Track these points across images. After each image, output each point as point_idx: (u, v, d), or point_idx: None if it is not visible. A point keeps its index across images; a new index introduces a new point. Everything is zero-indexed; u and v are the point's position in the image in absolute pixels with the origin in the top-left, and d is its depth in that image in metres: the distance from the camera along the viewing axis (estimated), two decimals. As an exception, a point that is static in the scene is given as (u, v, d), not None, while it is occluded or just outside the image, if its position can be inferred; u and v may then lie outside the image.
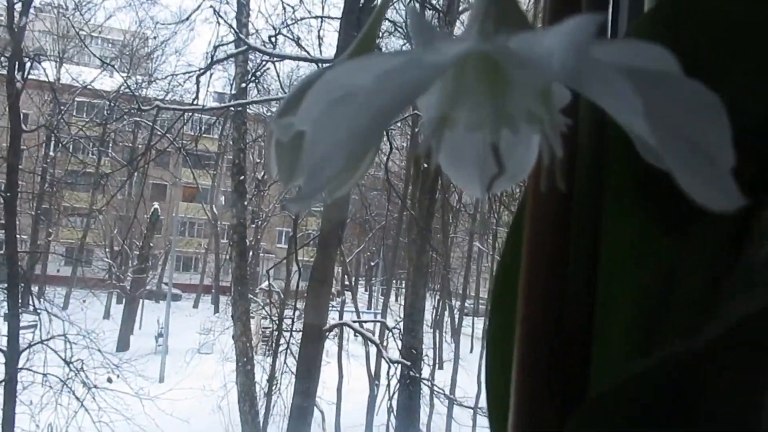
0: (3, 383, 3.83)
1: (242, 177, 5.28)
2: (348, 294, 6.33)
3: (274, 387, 5.04)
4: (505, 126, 0.17)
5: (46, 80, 5.48)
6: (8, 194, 4.27)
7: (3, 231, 4.44)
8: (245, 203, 5.38)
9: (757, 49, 0.21)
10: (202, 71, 4.96)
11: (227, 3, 5.08)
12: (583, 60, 0.13)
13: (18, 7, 4.47)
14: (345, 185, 0.19)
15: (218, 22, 4.94)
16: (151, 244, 7.18)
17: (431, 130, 0.17)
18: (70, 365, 4.19)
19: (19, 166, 4.63)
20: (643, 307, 0.21)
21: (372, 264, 8.79)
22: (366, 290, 8.94)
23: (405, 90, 0.14)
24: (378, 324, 5.98)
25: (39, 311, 4.47)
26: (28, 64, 4.70)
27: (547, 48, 0.13)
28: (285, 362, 5.02)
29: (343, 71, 0.14)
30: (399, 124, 5.79)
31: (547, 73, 0.13)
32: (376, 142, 0.16)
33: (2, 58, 4.55)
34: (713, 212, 0.14)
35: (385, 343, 5.45)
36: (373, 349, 5.27)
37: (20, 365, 3.98)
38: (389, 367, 4.99)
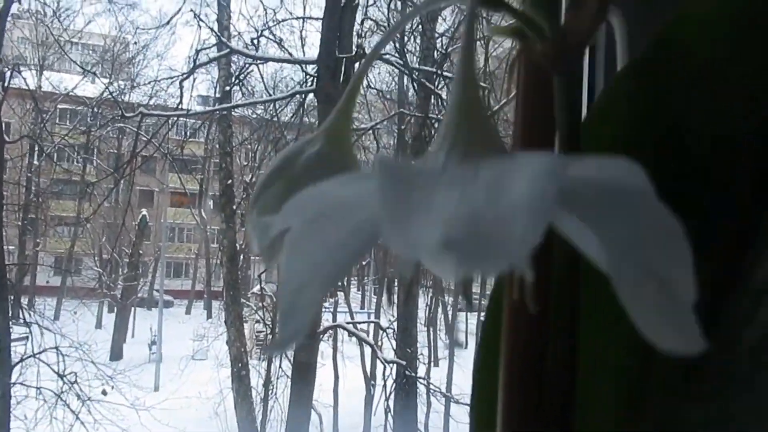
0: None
1: (230, 181, 5.24)
2: (340, 294, 6.30)
3: (270, 391, 5.01)
4: None
5: (27, 89, 5.40)
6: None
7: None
8: (234, 207, 5.35)
9: (728, 84, 0.22)
10: (185, 76, 4.91)
11: (208, 6, 5.03)
12: (542, 225, 0.12)
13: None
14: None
15: (199, 26, 4.89)
16: (141, 251, 7.13)
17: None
18: (64, 378, 4.14)
19: (3, 177, 4.56)
20: (625, 378, 0.20)
21: (363, 263, 8.80)
22: (359, 290, 8.93)
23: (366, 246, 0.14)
24: (372, 324, 5.96)
25: (30, 324, 4.41)
26: (8, 74, 4.63)
27: (504, 219, 0.11)
28: (280, 366, 4.99)
29: (326, 191, 0.13)
30: (385, 122, 5.76)
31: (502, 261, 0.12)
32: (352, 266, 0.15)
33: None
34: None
35: (379, 343, 5.44)
36: (368, 350, 5.26)
37: (13, 379, 3.93)
38: (385, 367, 4.98)
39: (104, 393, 4.41)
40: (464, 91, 0.15)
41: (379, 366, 5.10)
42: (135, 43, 6.07)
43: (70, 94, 5.90)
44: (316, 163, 0.22)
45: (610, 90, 0.23)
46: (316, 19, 5.06)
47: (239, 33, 5.34)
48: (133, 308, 7.06)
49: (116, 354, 6.15)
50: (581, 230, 0.13)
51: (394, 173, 0.12)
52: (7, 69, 4.61)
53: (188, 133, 6.29)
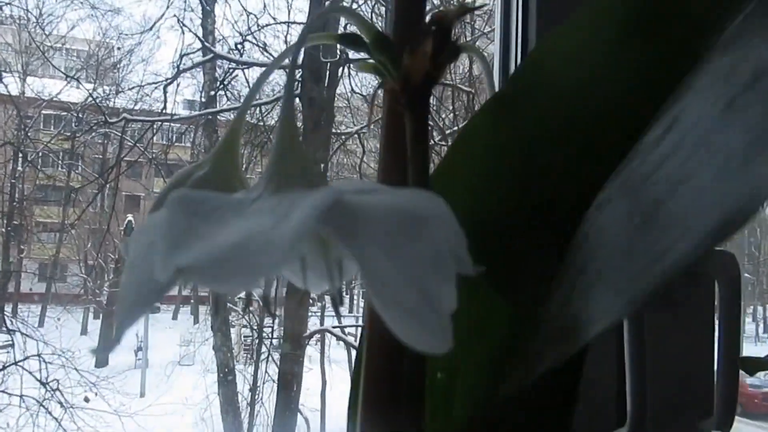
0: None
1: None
2: (328, 299, 6.30)
3: (256, 396, 5.00)
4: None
5: (8, 94, 5.38)
6: (-26, 214, 4.18)
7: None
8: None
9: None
10: (169, 81, 4.90)
11: (192, 10, 5.03)
12: (290, 254, 0.14)
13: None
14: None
15: (183, 31, 4.89)
16: (127, 257, 7.05)
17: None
18: (47, 386, 4.12)
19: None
20: (487, 374, 0.22)
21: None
22: (347, 293, 8.94)
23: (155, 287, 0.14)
24: (359, 328, 5.97)
25: (12, 331, 4.38)
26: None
27: (265, 245, 0.14)
28: (266, 371, 4.99)
29: (159, 219, 0.14)
30: (372, 126, 5.77)
31: (249, 282, 0.14)
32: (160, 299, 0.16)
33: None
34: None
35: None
36: (355, 354, 5.27)
37: (-6, 388, 3.91)
38: (372, 371, 4.99)
39: (86, 400, 4.39)
40: (283, 136, 0.16)
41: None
42: (119, 48, 6.04)
43: (54, 99, 5.87)
44: (202, 186, 0.23)
45: (472, 124, 0.24)
46: (300, 23, 5.07)
47: (224, 38, 5.35)
48: (118, 314, 7.00)
49: (101, 360, 6.12)
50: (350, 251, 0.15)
51: (189, 207, 0.13)
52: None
53: (174, 138, 6.28)
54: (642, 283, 0.13)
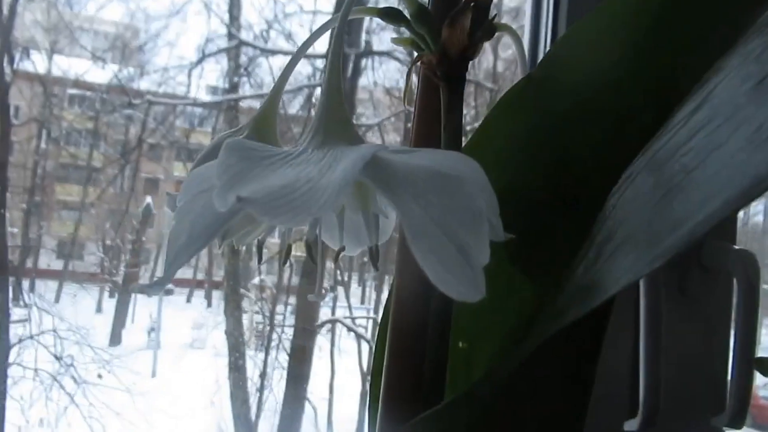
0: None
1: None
2: (340, 289, 6.33)
3: (265, 383, 5.05)
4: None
5: (36, 72, 5.45)
6: (-2, 188, 4.25)
7: (-7, 225, 4.41)
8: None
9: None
10: (193, 65, 4.94)
11: (220, -4, 5.05)
12: (340, 197, 0.15)
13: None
14: (250, 237, 0.20)
15: (209, 16, 4.92)
16: (144, 238, 7.17)
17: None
18: (61, 360, 4.19)
19: (10, 160, 4.61)
20: (507, 343, 0.23)
21: (365, 259, 8.83)
22: (359, 285, 8.97)
23: (220, 218, 0.16)
24: (370, 320, 5.99)
25: (29, 306, 4.46)
26: (18, 57, 4.67)
27: (317, 187, 0.15)
28: (277, 358, 5.03)
29: (208, 171, 0.16)
30: (392, 119, 5.77)
31: (301, 218, 0.16)
32: (212, 239, 0.17)
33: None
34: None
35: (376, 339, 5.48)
36: (365, 345, 5.29)
37: (11, 360, 3.97)
38: (381, 363, 5.01)
39: (99, 376, 4.46)
40: (329, 95, 0.17)
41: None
42: (145, 31, 6.09)
43: (80, 79, 5.94)
44: None
45: (501, 104, 0.25)
46: (326, 13, 5.08)
47: (250, 24, 5.38)
48: (133, 294, 7.11)
49: (115, 339, 6.20)
50: (392, 202, 0.16)
51: (242, 153, 0.14)
52: (17, 52, 4.65)
53: (195, 122, 6.32)
54: (664, 245, 0.14)
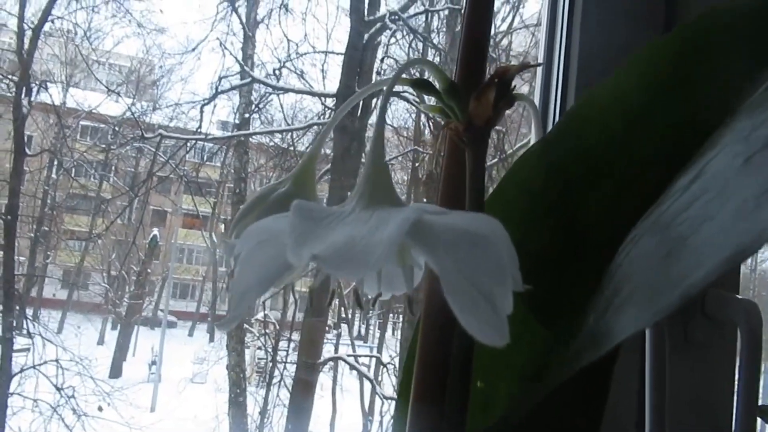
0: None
1: (242, 205, 5.31)
2: (344, 327, 6.29)
3: (266, 420, 4.99)
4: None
5: (52, 104, 5.55)
6: (8, 217, 4.29)
7: (0, 252, 4.44)
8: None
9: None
10: (206, 101, 5.03)
11: (234, 35, 5.18)
12: (392, 253, 0.18)
13: (28, 32, 4.55)
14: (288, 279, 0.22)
15: (224, 54, 5.03)
16: (149, 270, 7.18)
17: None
18: (61, 391, 4.16)
19: (21, 189, 4.66)
20: (521, 380, 0.24)
21: (369, 297, 8.78)
22: (363, 323, 8.91)
23: (285, 266, 0.18)
24: (373, 359, 5.94)
25: (33, 335, 4.45)
26: (35, 89, 4.77)
27: (371, 244, 0.18)
28: (278, 395, 4.98)
29: (269, 224, 0.18)
30: (400, 159, 5.83)
31: (364, 270, 0.18)
32: (282, 281, 0.20)
33: (10, 82, 4.62)
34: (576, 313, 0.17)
35: (379, 378, 5.42)
36: (367, 384, 5.24)
37: (11, 390, 3.95)
38: (383, 403, 4.96)
39: (100, 409, 4.42)
40: (374, 162, 0.20)
41: (378, 401, 5.07)
42: (160, 66, 6.22)
43: (93, 111, 6.04)
44: (283, 201, 0.27)
45: (518, 165, 0.27)
46: (338, 53, 5.19)
47: (262, 63, 5.48)
48: (136, 326, 7.09)
49: (116, 371, 6.16)
50: (430, 259, 0.19)
51: (306, 213, 0.17)
52: (34, 84, 4.75)
53: (205, 157, 6.40)
54: (663, 302, 0.16)
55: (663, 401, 0.47)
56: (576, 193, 0.27)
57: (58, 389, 4.11)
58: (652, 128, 0.28)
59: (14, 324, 4.24)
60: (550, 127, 0.57)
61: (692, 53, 0.28)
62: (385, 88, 0.22)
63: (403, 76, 0.26)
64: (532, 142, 0.29)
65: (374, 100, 4.88)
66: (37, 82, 4.88)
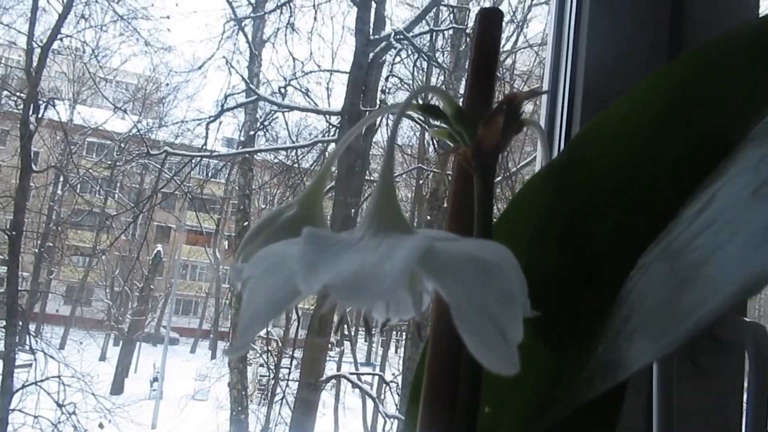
0: (-7, 425, 3.79)
1: (246, 222, 5.31)
2: (347, 345, 6.26)
3: (267, 438, 4.95)
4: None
5: (59, 121, 5.59)
6: (13, 232, 4.30)
7: (5, 268, 4.45)
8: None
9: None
10: (212, 119, 5.06)
11: (240, 53, 5.22)
12: (403, 281, 0.17)
13: (37, 50, 4.60)
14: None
15: (230, 72, 5.07)
16: (152, 287, 7.17)
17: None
18: (63, 408, 4.14)
19: (26, 205, 4.68)
20: (528, 406, 0.24)
21: (377, 321, 8.74)
22: (365, 341, 8.86)
23: (294, 293, 0.19)
24: (376, 377, 5.90)
25: (35, 351, 4.44)
26: (42, 106, 4.81)
27: (382, 272, 0.18)
28: (279, 413, 4.95)
29: (281, 248, 0.18)
30: (404, 176, 5.85)
31: (375, 298, 0.18)
32: (291, 306, 0.20)
33: (18, 99, 4.66)
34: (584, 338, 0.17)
35: (382, 397, 5.38)
36: (370, 403, 5.20)
37: (12, 406, 3.94)
38: (385, 422, 4.92)
39: (101, 426, 4.40)
40: (383, 189, 0.20)
41: (380, 420, 5.03)
42: (167, 84, 6.27)
43: (100, 128, 6.08)
44: (291, 225, 0.27)
45: (526, 189, 0.27)
46: (343, 72, 5.23)
47: (268, 81, 5.52)
48: (138, 343, 7.07)
49: (117, 388, 6.14)
50: (439, 287, 0.19)
51: (317, 241, 0.17)
52: (42, 101, 4.79)
53: (210, 173, 6.42)
54: (675, 333, 0.16)
55: (671, 424, 0.46)
56: (584, 217, 0.27)
57: (60, 406, 4.09)
58: (661, 153, 0.28)
59: (17, 340, 4.24)
60: (555, 146, 0.57)
61: (698, 80, 0.28)
62: (394, 115, 0.22)
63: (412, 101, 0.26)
64: (538, 165, 0.29)
65: (379, 119, 4.90)
66: (45, 100, 4.92)
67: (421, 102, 0.24)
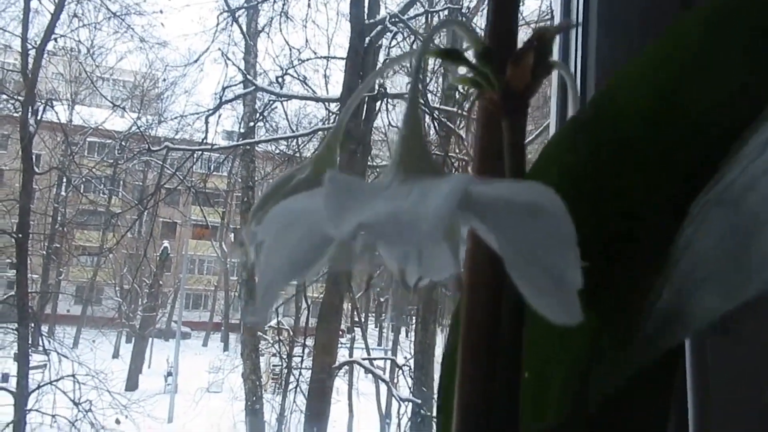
0: (12, 425, 3.82)
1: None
2: (357, 330, 6.28)
3: (283, 426, 4.98)
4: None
5: (58, 122, 5.57)
6: (20, 235, 4.31)
7: (14, 271, 4.47)
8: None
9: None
10: (211, 112, 5.04)
11: (235, 45, 5.18)
12: (443, 226, 0.16)
13: (32, 52, 4.58)
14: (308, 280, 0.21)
15: (226, 64, 5.03)
16: (161, 282, 7.20)
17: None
18: (79, 406, 4.17)
19: (31, 207, 4.68)
20: (574, 375, 0.23)
21: (381, 300, 8.78)
22: (376, 327, 8.89)
23: (319, 246, 0.18)
24: (388, 361, 5.92)
25: (48, 351, 4.46)
26: (41, 108, 4.79)
27: (419, 216, 0.16)
28: (294, 401, 4.97)
29: (294, 204, 0.17)
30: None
31: (415, 242, 0.17)
32: (313, 266, 0.18)
33: (16, 103, 4.65)
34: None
35: (395, 381, 5.40)
36: (383, 387, 5.22)
37: (29, 406, 3.97)
38: (399, 405, 4.94)
39: (117, 422, 4.43)
40: (409, 132, 0.18)
41: (394, 404, 5.06)
42: (164, 79, 6.24)
43: (99, 127, 6.07)
44: (303, 187, 0.26)
45: (550, 147, 0.26)
46: (340, 58, 5.19)
47: (265, 71, 5.48)
48: (150, 339, 7.10)
49: (132, 384, 6.18)
50: (488, 232, 0.17)
51: (342, 184, 0.16)
52: (40, 104, 4.78)
53: (212, 167, 6.41)
54: (743, 290, 0.15)
55: (707, 394, 0.45)
56: (612, 174, 0.25)
57: (76, 404, 4.12)
58: (686, 108, 0.27)
59: (30, 341, 4.26)
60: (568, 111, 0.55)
61: (718, 32, 0.27)
62: (416, 54, 0.20)
63: (431, 47, 0.24)
64: (570, 114, 0.28)
65: (378, 104, 4.87)
66: (43, 101, 4.91)
67: (442, 48, 0.23)
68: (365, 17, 4.88)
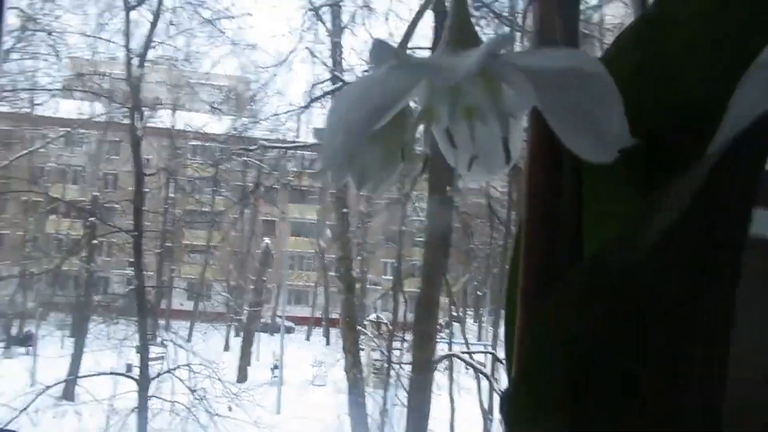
0: (137, 410, 4.10)
1: (345, 210, 5.40)
2: (456, 325, 6.25)
3: (386, 419, 5.03)
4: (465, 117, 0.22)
5: (163, 127, 5.91)
6: (136, 233, 4.62)
7: (132, 268, 4.80)
8: (349, 236, 5.49)
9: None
10: (301, 110, 5.18)
11: (322, 43, 5.30)
12: (480, 65, 0.18)
13: (135, 61, 4.89)
14: (384, 183, 0.22)
15: (314, 62, 5.15)
16: (264, 279, 7.47)
17: (418, 118, 0.23)
18: (194, 393, 4.42)
19: (144, 208, 4.99)
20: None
21: (479, 294, 8.69)
22: (475, 321, 8.81)
23: (385, 95, 0.20)
24: (489, 355, 5.85)
25: (166, 343, 4.75)
26: (146, 113, 5.10)
27: (460, 60, 0.19)
28: (396, 395, 5.01)
29: (359, 81, 0.19)
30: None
31: (455, 76, 0.19)
32: (369, 128, 0.20)
33: (125, 111, 4.99)
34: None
35: (496, 376, 5.32)
36: (484, 382, 5.14)
37: (150, 393, 4.25)
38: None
39: (230, 409, 4.65)
40: (457, 11, 0.20)
41: (497, 399, 4.98)
42: (255, 81, 6.47)
43: (200, 131, 6.37)
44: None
45: (618, 41, 0.26)
46: (426, 48, 5.18)
47: (351, 67, 5.56)
48: (257, 333, 7.39)
49: (242, 376, 6.46)
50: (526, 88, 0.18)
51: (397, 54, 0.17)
52: (145, 109, 5.09)
53: (306, 165, 6.58)
54: None
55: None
56: (681, 67, 0.25)
57: (192, 391, 4.37)
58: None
59: (148, 333, 4.56)
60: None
61: None
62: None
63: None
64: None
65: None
66: (148, 107, 5.24)
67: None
68: (446, 4, 4.85)
